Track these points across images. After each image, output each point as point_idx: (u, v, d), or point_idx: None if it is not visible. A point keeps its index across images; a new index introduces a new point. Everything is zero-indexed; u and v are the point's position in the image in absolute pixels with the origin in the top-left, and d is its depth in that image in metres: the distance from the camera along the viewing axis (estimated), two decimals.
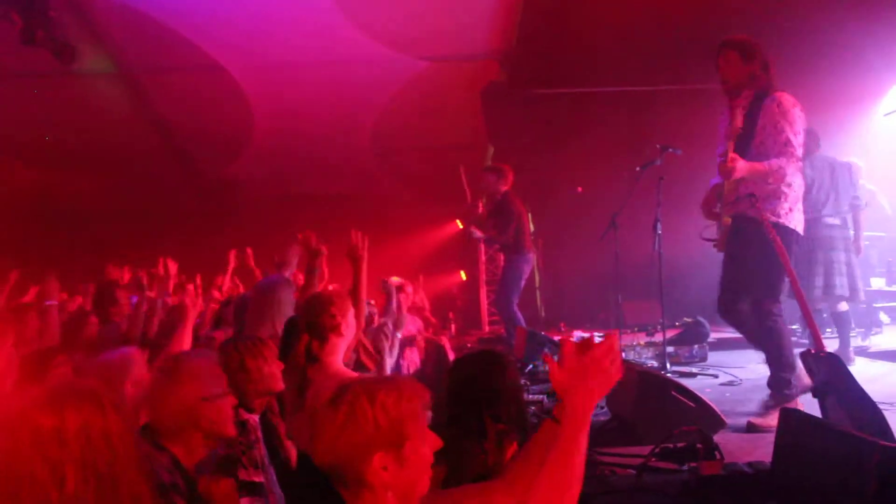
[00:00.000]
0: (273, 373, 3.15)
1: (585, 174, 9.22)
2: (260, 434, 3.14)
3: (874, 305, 7.74)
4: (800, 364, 4.21)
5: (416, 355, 6.44)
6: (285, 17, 8.01)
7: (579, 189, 8.55)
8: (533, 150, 8.36)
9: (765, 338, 4.66)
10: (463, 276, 10.49)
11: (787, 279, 4.49)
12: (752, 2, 6.98)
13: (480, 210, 7.97)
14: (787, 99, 4.54)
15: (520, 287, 7.92)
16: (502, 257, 8.29)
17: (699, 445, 3.58)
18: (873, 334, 7.38)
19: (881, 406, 3.54)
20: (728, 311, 4.78)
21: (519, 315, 7.85)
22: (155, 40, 8.45)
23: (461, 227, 9.89)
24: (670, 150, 6.37)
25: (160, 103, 10.16)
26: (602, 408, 5.04)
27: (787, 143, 4.48)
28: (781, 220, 4.51)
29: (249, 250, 6.96)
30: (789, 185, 4.56)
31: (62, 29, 7.41)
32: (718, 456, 3.46)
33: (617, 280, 7.10)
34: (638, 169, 6.60)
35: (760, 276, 4.56)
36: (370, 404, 1.80)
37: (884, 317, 8.15)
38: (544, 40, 8.52)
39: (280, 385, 3.18)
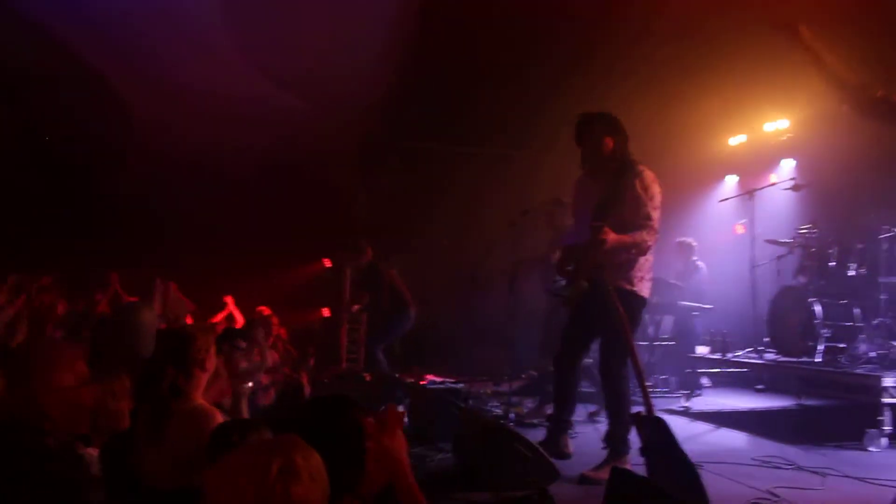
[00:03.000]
0: (120, 410, 3.07)
1: (454, 227, 9.68)
2: (98, 472, 3.04)
3: (697, 371, 8.44)
4: None
5: (270, 389, 6.39)
6: (177, 39, 7.89)
7: (444, 241, 8.91)
8: (405, 200, 8.64)
9: (609, 397, 4.98)
10: (326, 313, 10.61)
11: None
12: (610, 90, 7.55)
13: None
14: (648, 175, 4.87)
15: (390, 340, 8.34)
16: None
17: (535, 496, 3.85)
18: (695, 396, 8.01)
19: (699, 463, 3.95)
20: (567, 366, 5.13)
21: (382, 359, 8.16)
22: (36, 44, 8.03)
23: (329, 265, 10.13)
24: (530, 213, 6.73)
25: (35, 109, 9.64)
26: (448, 453, 5.21)
27: (648, 217, 4.77)
28: (634, 288, 4.85)
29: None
30: (644, 256, 4.90)
31: None
32: None
33: (472, 329, 7.39)
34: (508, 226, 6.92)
35: (613, 340, 4.82)
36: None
37: (705, 381, 8.91)
38: (421, 96, 8.89)
39: (126, 423, 3.09)
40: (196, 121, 9.04)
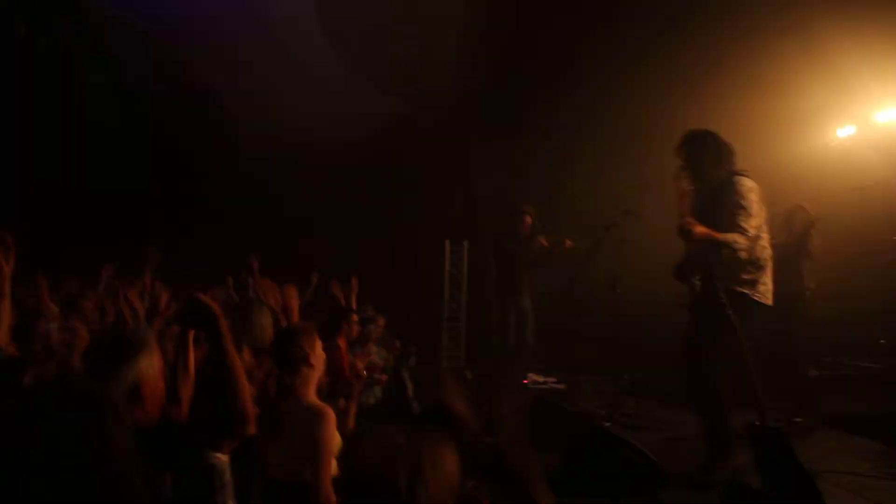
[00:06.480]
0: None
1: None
2: (228, 477, 3.14)
3: None
4: None
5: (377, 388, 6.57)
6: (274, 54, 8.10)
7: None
8: (503, 200, 8.55)
9: (698, 394, 4.94)
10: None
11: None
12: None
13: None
14: (745, 183, 4.87)
15: None
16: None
17: None
18: None
19: (819, 473, 3.83)
20: (690, 367, 5.02)
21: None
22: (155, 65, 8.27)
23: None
24: (632, 213, 6.65)
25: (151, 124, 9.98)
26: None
27: (737, 225, 4.77)
28: (745, 290, 4.80)
29: None
30: (752, 259, 4.86)
31: None
32: None
33: (575, 327, 7.34)
34: (605, 229, 6.87)
35: (702, 338, 4.88)
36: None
37: None
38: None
39: (252, 429, 3.20)
40: (292, 124, 9.19)
